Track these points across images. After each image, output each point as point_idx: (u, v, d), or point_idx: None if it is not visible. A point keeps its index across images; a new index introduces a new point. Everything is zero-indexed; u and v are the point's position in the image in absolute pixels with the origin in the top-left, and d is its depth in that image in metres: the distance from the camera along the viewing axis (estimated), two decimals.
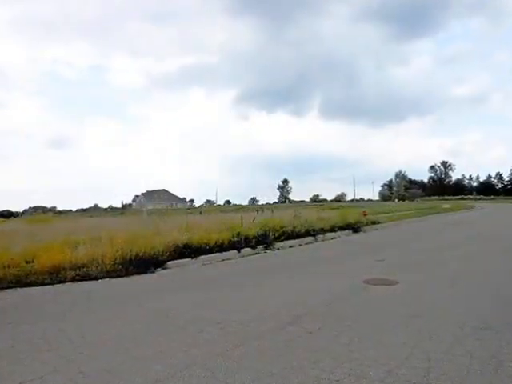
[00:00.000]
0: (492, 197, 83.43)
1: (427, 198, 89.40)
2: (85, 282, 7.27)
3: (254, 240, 11.41)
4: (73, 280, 7.31)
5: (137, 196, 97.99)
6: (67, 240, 9.24)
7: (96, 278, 7.47)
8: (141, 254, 8.36)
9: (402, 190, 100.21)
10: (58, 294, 6.50)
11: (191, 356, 3.54)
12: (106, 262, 7.88)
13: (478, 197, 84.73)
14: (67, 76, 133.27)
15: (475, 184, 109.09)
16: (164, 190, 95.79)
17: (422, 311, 4.71)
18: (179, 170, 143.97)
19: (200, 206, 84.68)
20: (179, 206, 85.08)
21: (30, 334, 4.34)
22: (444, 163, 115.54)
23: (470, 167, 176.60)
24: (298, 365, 3.28)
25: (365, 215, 19.83)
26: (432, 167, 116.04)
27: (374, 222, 19.10)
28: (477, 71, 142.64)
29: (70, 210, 73.00)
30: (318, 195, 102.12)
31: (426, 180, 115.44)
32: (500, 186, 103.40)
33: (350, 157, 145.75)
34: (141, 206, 67.71)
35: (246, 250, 10.93)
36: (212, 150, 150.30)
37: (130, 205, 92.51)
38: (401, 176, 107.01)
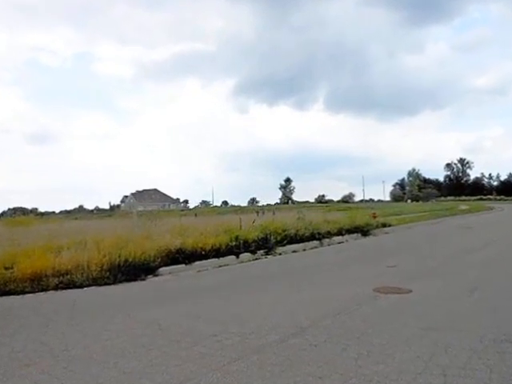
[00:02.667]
0: None
1: (443, 198, 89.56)
2: (69, 291, 7.27)
3: (253, 244, 11.42)
4: (56, 288, 7.32)
5: (126, 196, 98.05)
6: (50, 244, 9.23)
7: (81, 286, 7.47)
8: (130, 260, 8.36)
9: (415, 189, 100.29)
10: (39, 303, 6.49)
11: (185, 371, 3.53)
12: (92, 268, 7.88)
13: (498, 197, 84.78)
14: (49, 65, 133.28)
15: (495, 183, 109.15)
16: (155, 189, 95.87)
17: (437, 322, 4.71)
18: (172, 167, 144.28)
19: (195, 208, 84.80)
20: (172, 207, 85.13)
21: (9, 346, 4.33)
22: (461, 161, 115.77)
23: (489, 165, 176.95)
24: (302, 380, 3.28)
25: (374, 217, 19.88)
26: (448, 165, 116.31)
27: (384, 225, 19.15)
28: (498, 60, 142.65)
29: (53, 212, 72.90)
30: (323, 195, 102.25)
31: (441, 179, 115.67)
32: None
33: (358, 154, 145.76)
34: (130, 208, 67.74)
35: (245, 256, 10.94)
36: (208, 146, 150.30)
37: (118, 206, 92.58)
38: (414, 175, 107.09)
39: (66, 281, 7.51)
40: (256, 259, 10.96)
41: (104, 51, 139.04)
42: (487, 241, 13.57)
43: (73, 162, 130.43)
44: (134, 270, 8.30)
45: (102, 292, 7.27)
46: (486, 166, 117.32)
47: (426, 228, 21.02)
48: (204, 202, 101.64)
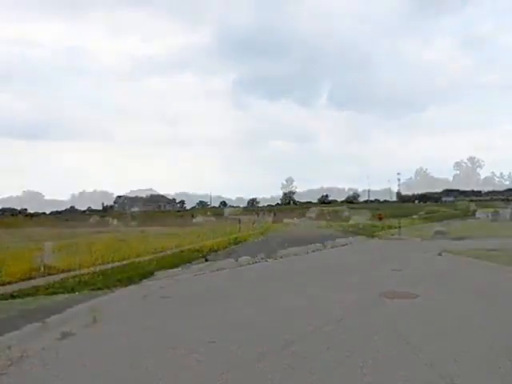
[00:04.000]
0: None
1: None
2: (60, 295, 7.27)
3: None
4: (46, 292, 7.30)
5: (119, 197, 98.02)
6: (40, 247, 9.24)
7: (73, 291, 7.47)
8: (124, 263, 8.37)
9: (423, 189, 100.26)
10: (28, 308, 6.47)
11: (181, 379, 3.53)
12: (84, 271, 7.88)
13: (511, 197, 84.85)
14: (37, 59, 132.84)
15: (507, 183, 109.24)
16: (151, 189, 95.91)
17: (445, 328, 4.71)
18: (168, 166, 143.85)
19: (192, 209, 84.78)
20: (168, 208, 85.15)
21: None
22: (471, 159, 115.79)
23: (501, 163, 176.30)
24: None
25: (380, 219, 19.91)
26: (457, 164, 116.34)
27: (390, 227, 19.18)
28: (510, 54, 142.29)
29: (43, 213, 72.95)
30: (326, 195, 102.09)
31: (450, 178, 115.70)
32: None
33: (363, 152, 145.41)
34: (124, 209, 67.79)
35: (245, 258, 10.94)
36: (206, 144, 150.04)
37: (111, 207, 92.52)
38: (422, 174, 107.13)
39: (57, 285, 7.51)
40: (256, 262, 10.96)
41: (96, 44, 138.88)
42: (497, 243, 13.55)
43: (64, 160, 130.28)
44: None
45: (94, 296, 7.25)
46: (498, 165, 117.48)
47: (434, 229, 21.01)
48: (201, 203, 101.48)
